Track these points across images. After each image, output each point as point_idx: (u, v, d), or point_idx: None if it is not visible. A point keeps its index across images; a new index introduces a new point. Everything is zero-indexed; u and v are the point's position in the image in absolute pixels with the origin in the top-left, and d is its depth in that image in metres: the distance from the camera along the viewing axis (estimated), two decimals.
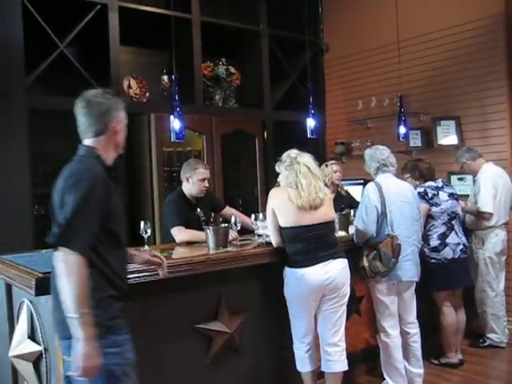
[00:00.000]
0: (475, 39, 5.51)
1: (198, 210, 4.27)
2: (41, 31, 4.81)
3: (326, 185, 3.78)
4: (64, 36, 5.00)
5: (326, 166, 5.16)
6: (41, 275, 2.67)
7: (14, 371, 3.24)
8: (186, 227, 4.03)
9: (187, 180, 4.21)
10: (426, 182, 4.41)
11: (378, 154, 3.92)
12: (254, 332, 3.51)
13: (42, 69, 4.87)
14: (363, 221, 3.74)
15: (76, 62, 5.09)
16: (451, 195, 4.37)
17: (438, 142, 5.85)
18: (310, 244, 3.30)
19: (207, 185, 4.25)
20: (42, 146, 5.07)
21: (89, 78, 5.11)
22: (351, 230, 4.05)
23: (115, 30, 5.26)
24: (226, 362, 3.38)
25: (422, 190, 4.31)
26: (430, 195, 4.29)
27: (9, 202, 4.57)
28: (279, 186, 3.49)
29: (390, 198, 3.74)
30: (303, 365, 3.43)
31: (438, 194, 4.32)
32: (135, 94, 5.74)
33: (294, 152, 3.49)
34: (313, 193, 3.31)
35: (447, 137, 5.77)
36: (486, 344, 4.72)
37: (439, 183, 4.42)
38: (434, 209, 4.27)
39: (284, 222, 3.35)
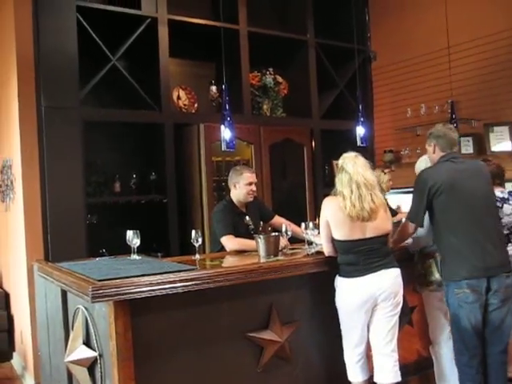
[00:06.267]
0: None
1: (247, 217, 4.27)
2: (94, 45, 4.94)
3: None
4: (116, 49, 5.12)
5: (384, 173, 5.24)
6: (97, 282, 2.72)
7: (70, 376, 3.31)
8: (235, 235, 4.03)
9: (234, 186, 4.23)
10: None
11: None
12: (305, 341, 3.48)
13: (95, 82, 5.00)
14: (426, 229, 3.57)
15: (127, 74, 5.21)
16: None
17: (491, 149, 5.71)
18: (361, 255, 3.24)
19: (254, 189, 4.25)
20: (94, 156, 5.19)
21: (139, 90, 5.21)
22: None
23: (165, 42, 5.35)
24: (277, 371, 3.36)
25: None
26: None
27: (63, 211, 4.69)
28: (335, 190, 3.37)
29: None
30: (355, 375, 3.36)
31: (502, 206, 4.05)
32: (184, 104, 5.82)
33: (347, 156, 3.37)
34: (357, 204, 3.20)
35: (501, 143, 5.63)
36: None
37: (505, 194, 4.14)
38: None
39: (337, 235, 3.30)
